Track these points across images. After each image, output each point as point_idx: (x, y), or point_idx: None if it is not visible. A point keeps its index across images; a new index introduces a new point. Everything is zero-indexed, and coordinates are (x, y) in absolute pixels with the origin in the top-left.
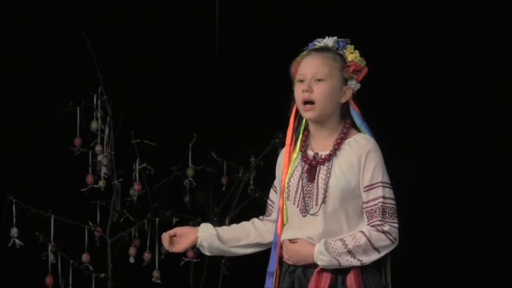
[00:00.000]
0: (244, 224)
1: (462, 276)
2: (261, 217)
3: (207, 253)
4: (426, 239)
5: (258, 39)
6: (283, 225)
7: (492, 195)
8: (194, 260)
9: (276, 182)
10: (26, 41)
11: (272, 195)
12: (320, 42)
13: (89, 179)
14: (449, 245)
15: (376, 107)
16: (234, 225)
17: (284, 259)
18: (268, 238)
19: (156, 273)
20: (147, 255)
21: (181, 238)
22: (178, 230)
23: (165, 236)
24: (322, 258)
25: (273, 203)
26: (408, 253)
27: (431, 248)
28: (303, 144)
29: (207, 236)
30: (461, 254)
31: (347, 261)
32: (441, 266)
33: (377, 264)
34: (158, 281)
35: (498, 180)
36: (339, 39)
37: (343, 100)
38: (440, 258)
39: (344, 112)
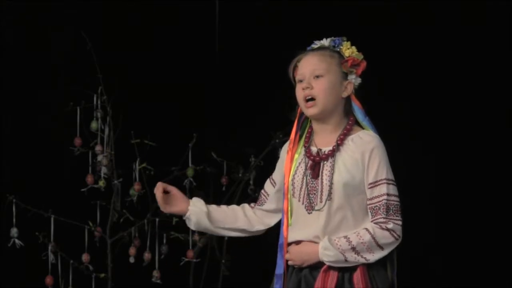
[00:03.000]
0: (234, 207)
1: (462, 276)
2: (252, 204)
3: (192, 228)
4: (426, 239)
5: (258, 39)
6: (288, 227)
7: (492, 195)
8: (194, 260)
9: (274, 175)
10: (26, 41)
11: (268, 186)
12: (317, 44)
13: (89, 179)
14: (449, 245)
15: (376, 106)
16: (224, 207)
17: (289, 263)
18: (257, 226)
19: (156, 273)
20: (147, 255)
21: (174, 200)
22: (174, 190)
23: (160, 187)
24: (327, 254)
25: (268, 194)
26: (408, 253)
27: (431, 248)
28: (307, 140)
29: (197, 212)
30: (461, 254)
31: (352, 257)
32: (441, 266)
33: (383, 262)
34: (158, 281)
35: (498, 180)
36: (334, 38)
37: (345, 94)
38: (440, 258)
39: (348, 108)
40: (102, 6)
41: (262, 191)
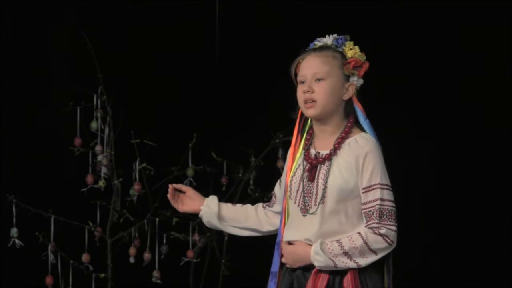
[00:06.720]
0: (247, 207)
1: (462, 276)
2: (265, 204)
3: (207, 225)
4: (426, 239)
5: (258, 39)
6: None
7: (492, 195)
8: (194, 260)
9: (282, 177)
10: (26, 41)
11: (276, 188)
12: (320, 42)
13: (89, 179)
14: (449, 245)
15: (376, 107)
16: (238, 206)
17: (282, 260)
18: (266, 227)
19: (156, 273)
20: (147, 255)
21: (188, 200)
22: (189, 191)
23: (173, 187)
24: (317, 259)
25: (276, 196)
26: (408, 253)
27: (431, 248)
28: (306, 142)
29: (208, 213)
30: (461, 254)
31: (343, 262)
32: (441, 266)
33: (377, 266)
34: (158, 281)
35: (498, 179)
36: (337, 37)
37: (346, 97)
38: (440, 258)
39: (348, 109)
40: (102, 6)
41: (273, 192)
